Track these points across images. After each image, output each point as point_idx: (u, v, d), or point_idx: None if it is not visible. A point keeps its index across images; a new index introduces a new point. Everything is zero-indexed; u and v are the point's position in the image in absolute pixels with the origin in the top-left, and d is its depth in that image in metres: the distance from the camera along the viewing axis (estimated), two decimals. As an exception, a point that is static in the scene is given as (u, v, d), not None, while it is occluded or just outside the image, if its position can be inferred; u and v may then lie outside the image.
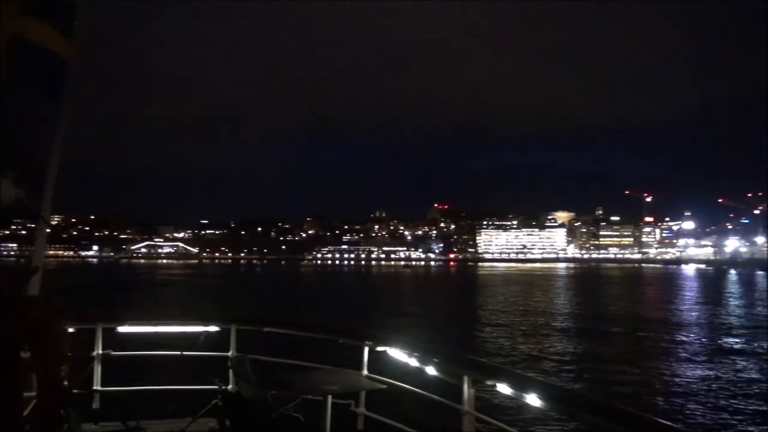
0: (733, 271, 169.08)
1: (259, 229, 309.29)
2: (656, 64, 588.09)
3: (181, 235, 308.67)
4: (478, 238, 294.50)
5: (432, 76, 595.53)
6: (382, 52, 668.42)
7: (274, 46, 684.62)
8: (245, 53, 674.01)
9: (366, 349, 5.78)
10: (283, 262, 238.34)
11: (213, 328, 6.82)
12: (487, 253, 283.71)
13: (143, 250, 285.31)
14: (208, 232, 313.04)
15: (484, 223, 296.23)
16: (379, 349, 5.65)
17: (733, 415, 19.38)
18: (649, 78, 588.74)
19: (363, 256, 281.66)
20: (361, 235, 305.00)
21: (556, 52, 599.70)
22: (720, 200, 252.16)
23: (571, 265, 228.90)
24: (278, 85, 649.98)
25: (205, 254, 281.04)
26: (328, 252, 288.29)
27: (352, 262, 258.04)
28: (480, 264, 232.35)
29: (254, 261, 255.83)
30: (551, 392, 3.55)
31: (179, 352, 6.66)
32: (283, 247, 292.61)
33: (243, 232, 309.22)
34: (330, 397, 5.06)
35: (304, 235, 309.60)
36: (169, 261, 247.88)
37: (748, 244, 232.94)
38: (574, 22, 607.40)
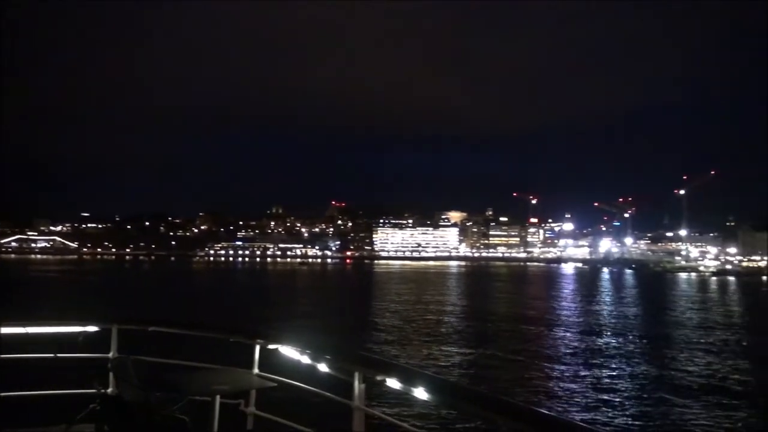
0: (605, 270, 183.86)
1: (147, 223, 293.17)
2: (543, 70, 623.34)
3: (59, 228, 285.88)
4: (374, 236, 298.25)
5: (330, 74, 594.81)
6: (281, 48, 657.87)
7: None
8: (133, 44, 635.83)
9: (257, 348, 5.69)
10: (172, 258, 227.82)
11: (92, 328, 6.39)
12: (383, 250, 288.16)
13: (14, 244, 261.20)
14: (89, 225, 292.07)
15: (381, 221, 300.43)
16: (271, 347, 5.58)
17: (607, 401, 21.08)
18: (537, 84, 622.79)
19: (258, 252, 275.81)
20: (257, 231, 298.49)
21: (450, 54, 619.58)
22: (596, 204, 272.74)
23: (463, 263, 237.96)
24: (172, 75, 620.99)
25: (85, 249, 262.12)
26: (222, 248, 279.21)
27: (247, 259, 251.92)
28: (376, 262, 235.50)
29: (141, 257, 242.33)
30: (437, 385, 3.69)
31: (53, 355, 6.17)
32: (173, 242, 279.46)
33: (129, 227, 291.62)
34: (218, 397, 4.91)
35: (196, 230, 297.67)
36: (44, 256, 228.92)
37: (619, 244, 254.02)
38: (471, 26, 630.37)
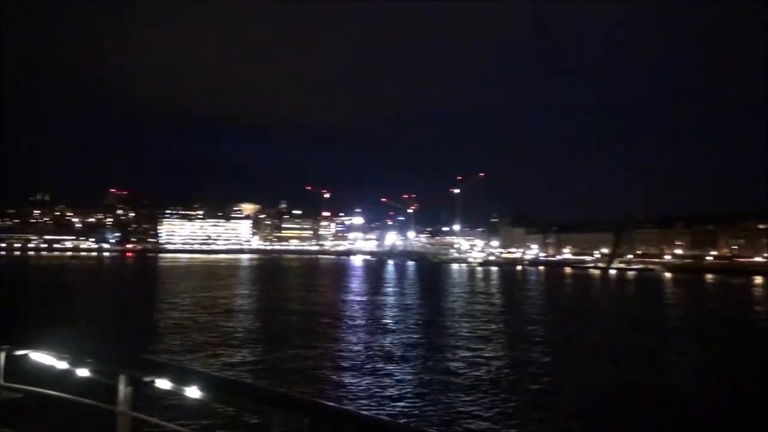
0: (391, 262, 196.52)
1: None
2: (342, 69, 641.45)
3: None
4: (159, 227, 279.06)
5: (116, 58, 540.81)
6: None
7: None
8: None
9: (2, 355, 4.88)
10: None
11: None
12: (170, 243, 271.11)
13: None
14: None
15: (167, 212, 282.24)
16: (19, 353, 4.82)
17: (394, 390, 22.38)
18: (341, 80, 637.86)
19: (18, 245, 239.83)
20: (17, 220, 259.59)
21: (261, 44, 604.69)
22: (383, 199, 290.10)
23: (255, 256, 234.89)
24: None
25: None
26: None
27: (3, 253, 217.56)
28: (161, 255, 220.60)
29: None
30: (209, 382, 3.51)
31: None
32: None
33: None
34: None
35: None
36: None
37: (403, 238, 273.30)
38: (287, 21, 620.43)
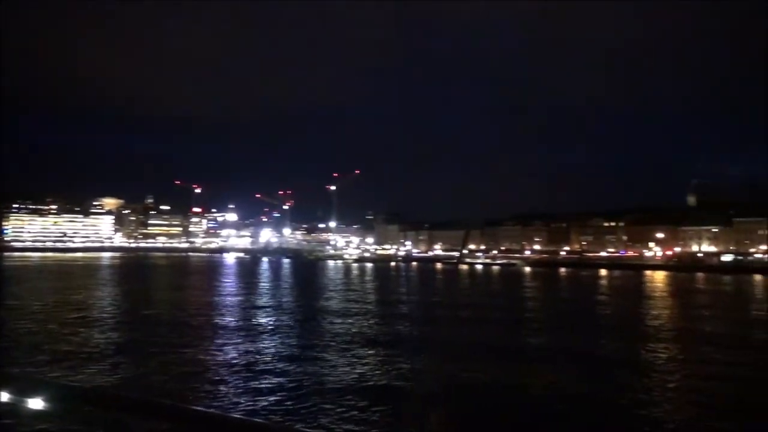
0: (265, 259, 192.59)
1: None
2: (219, 59, 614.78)
3: None
4: (6, 223, 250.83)
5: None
6: None
7: None
8: None
9: None
10: None
11: None
12: (18, 241, 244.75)
13: None
14: None
15: (15, 206, 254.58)
16: None
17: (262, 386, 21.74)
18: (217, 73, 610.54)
19: None
20: None
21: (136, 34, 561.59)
22: (257, 195, 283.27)
23: (118, 254, 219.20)
24: None
25: None
26: None
27: None
28: (8, 254, 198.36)
29: None
30: (56, 391, 3.02)
31: None
32: None
33: None
34: None
35: None
36: None
37: (278, 235, 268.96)
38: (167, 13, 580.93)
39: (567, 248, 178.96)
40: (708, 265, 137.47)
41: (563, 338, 33.77)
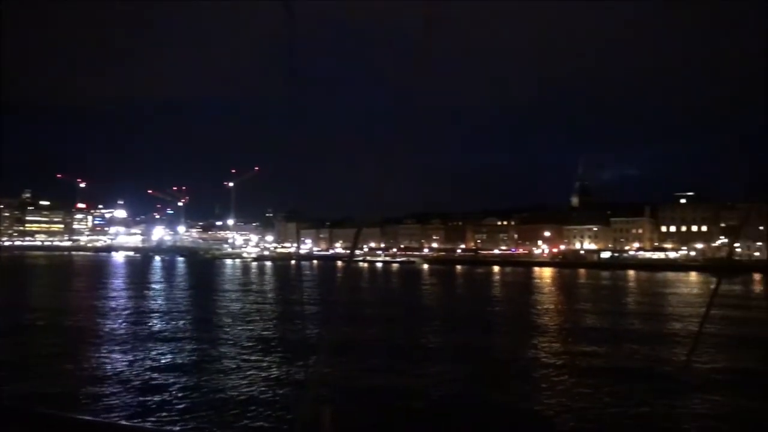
0: (158, 258, 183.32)
1: None
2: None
3: None
4: None
5: None
6: None
7: None
8: None
9: None
10: None
11: None
12: None
13: None
14: None
15: None
16: None
17: (158, 394, 20.57)
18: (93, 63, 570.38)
19: None
20: None
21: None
22: (149, 191, 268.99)
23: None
24: None
25: None
26: None
27: None
28: None
29: None
30: None
31: None
32: None
33: None
34: None
35: None
36: None
37: (171, 232, 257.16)
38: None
39: (463, 246, 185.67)
40: (589, 261, 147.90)
41: (458, 336, 34.88)
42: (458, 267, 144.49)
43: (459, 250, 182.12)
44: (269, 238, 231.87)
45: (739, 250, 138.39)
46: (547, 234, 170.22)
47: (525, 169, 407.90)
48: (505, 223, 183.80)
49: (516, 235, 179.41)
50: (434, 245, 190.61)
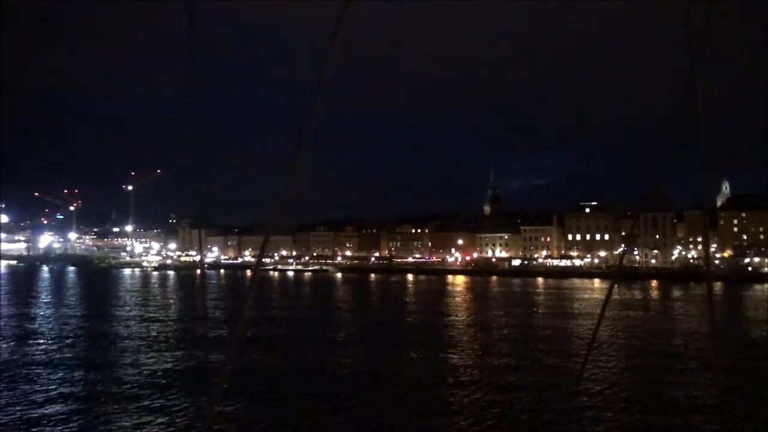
0: (45, 267, 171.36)
1: None
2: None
3: None
4: None
5: None
6: None
7: None
8: None
9: None
10: None
11: None
12: None
13: None
14: None
15: None
16: None
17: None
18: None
19: None
20: None
21: None
22: (36, 194, 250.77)
23: None
24: None
25: None
26: None
27: None
28: None
29: None
30: None
31: None
32: None
33: None
34: None
35: None
36: None
37: (62, 239, 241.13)
38: None
39: (377, 254, 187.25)
40: (501, 269, 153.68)
41: (371, 356, 35.13)
42: (372, 275, 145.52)
43: (373, 258, 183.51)
44: (172, 245, 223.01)
45: (637, 257, 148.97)
46: (460, 242, 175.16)
47: (439, 176, 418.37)
48: (419, 230, 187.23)
49: (430, 243, 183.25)
50: (348, 253, 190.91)
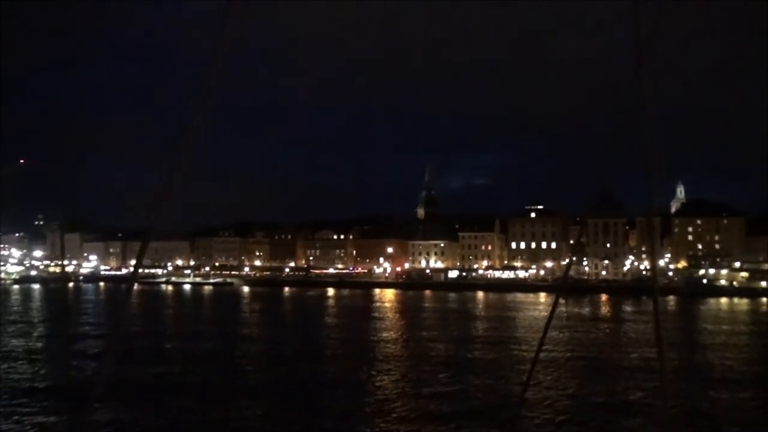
0: None
1: None
2: None
3: None
4: None
5: None
6: None
7: None
8: None
9: None
10: None
11: None
12: None
13: None
14: None
15: None
16: None
17: None
18: None
19: None
20: None
21: None
22: None
23: None
24: None
25: None
26: None
27: None
28: None
29: None
30: None
31: None
32: None
33: None
34: None
35: None
36: None
37: None
38: None
39: (292, 264, 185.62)
40: (436, 282, 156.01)
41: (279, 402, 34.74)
42: (286, 289, 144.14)
43: (287, 269, 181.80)
44: (38, 253, 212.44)
45: (586, 268, 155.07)
46: (389, 250, 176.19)
47: (366, 174, 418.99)
48: (342, 237, 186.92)
49: (354, 252, 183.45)
50: (257, 263, 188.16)
